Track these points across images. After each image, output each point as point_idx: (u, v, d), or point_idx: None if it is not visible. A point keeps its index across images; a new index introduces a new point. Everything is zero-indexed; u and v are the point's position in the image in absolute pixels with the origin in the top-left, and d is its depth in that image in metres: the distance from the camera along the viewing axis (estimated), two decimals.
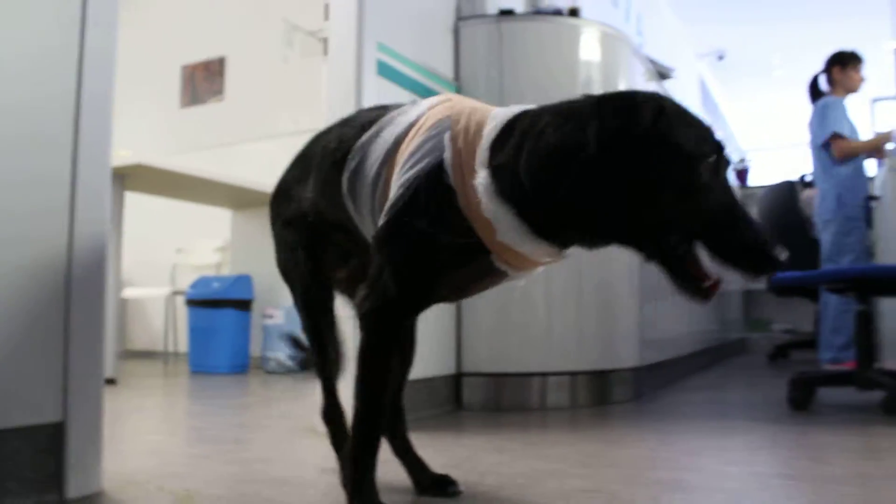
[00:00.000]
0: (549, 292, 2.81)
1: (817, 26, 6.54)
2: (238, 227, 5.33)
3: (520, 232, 1.15)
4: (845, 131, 4.07)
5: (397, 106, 1.42)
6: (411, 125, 1.29)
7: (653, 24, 5.73)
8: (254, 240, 5.22)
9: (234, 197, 4.89)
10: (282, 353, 4.58)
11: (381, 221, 1.23)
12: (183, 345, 5.15)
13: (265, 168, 5.14)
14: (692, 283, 1.09)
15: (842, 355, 3.94)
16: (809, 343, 4.94)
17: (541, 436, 2.26)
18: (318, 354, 1.56)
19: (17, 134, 1.45)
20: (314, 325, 1.56)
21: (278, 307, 4.61)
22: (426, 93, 2.71)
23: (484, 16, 2.95)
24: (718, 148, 1.08)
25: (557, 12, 2.94)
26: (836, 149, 4.06)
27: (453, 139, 1.21)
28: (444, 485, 1.49)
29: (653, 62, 3.57)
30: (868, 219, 4.10)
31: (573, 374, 2.85)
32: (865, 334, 2.72)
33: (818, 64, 4.33)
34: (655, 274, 1.15)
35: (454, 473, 1.53)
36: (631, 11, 5.14)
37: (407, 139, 1.27)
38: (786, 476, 1.70)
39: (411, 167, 1.22)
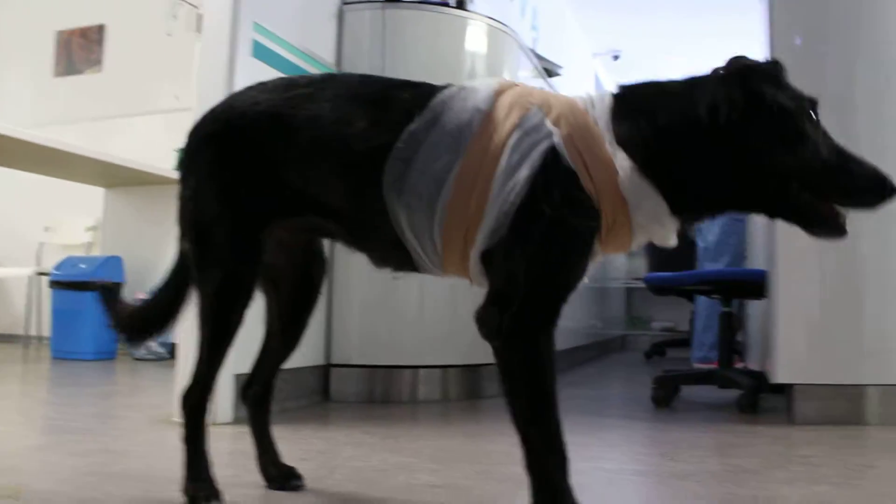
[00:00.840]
0: (423, 286, 2.84)
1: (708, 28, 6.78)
2: (110, 207, 5.14)
3: (660, 209, 1.15)
4: None
5: (426, 86, 1.29)
6: (482, 113, 1.21)
7: (550, 21, 5.84)
8: (127, 220, 5.05)
9: (106, 174, 4.70)
10: (153, 342, 4.44)
11: (494, 227, 1.15)
12: (46, 329, 4.92)
13: (143, 145, 5.02)
14: (828, 222, 1.14)
15: (711, 354, 4.14)
16: (685, 341, 5.17)
17: (404, 429, 2.28)
18: (216, 350, 1.36)
19: None
20: (226, 320, 1.34)
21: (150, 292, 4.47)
22: None
23: (369, 1, 2.94)
24: (813, 102, 1.15)
25: (444, 3, 2.96)
26: None
27: (556, 124, 1.17)
28: (288, 477, 1.48)
29: (540, 58, 3.65)
30: None
31: (445, 367, 2.89)
32: (727, 335, 2.88)
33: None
34: None
35: (305, 466, 1.53)
36: (527, 7, 5.22)
37: (487, 130, 1.19)
38: (633, 472, 1.78)
39: (519, 162, 1.15)
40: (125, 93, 5.38)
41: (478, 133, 1.19)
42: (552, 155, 1.14)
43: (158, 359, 4.43)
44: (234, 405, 2.31)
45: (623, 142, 1.14)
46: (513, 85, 1.26)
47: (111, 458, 1.75)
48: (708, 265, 4.08)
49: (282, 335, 1.53)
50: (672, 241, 1.20)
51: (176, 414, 2.27)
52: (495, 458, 1.87)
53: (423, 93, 1.27)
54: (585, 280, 1.23)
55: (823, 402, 2.39)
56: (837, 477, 1.70)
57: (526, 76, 3.39)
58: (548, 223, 1.13)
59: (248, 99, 1.36)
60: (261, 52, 2.45)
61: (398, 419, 2.46)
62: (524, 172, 1.14)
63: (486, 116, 1.20)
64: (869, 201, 1.12)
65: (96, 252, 5.20)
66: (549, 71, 3.76)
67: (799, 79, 1.21)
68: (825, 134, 1.14)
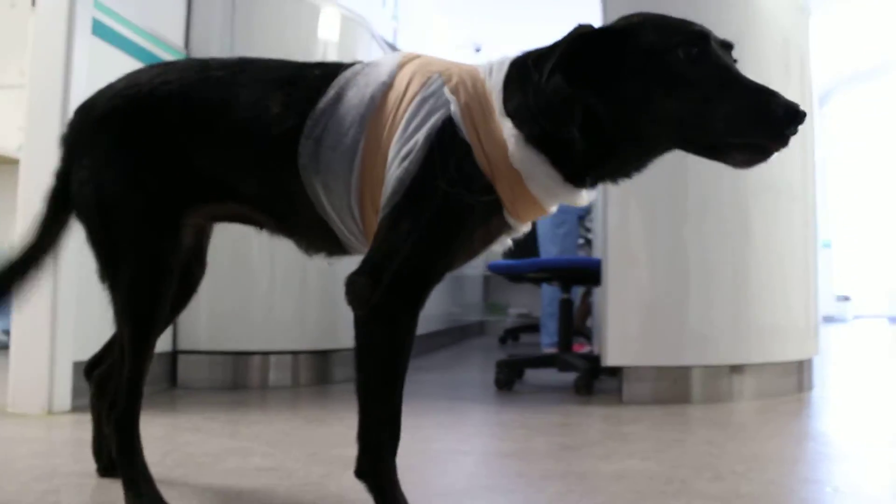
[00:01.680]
0: (272, 271, 2.85)
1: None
2: None
3: (553, 178, 1.13)
4: None
5: (333, 65, 1.28)
6: (385, 85, 1.19)
7: (412, 11, 5.90)
8: None
9: None
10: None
11: (390, 193, 1.12)
12: None
13: None
14: (747, 151, 1.04)
15: (558, 339, 4.35)
16: (536, 327, 5.38)
17: (245, 415, 2.30)
18: (136, 355, 1.26)
19: None
20: (149, 318, 1.26)
21: None
22: (150, 59, 2.63)
23: None
24: (692, 37, 1.06)
25: None
26: None
27: (455, 93, 1.14)
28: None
29: (394, 49, 3.70)
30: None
31: (295, 353, 2.92)
32: (566, 321, 3.04)
33: None
34: None
35: None
36: None
37: (389, 102, 1.18)
38: (460, 452, 1.87)
39: (416, 128, 1.13)
40: None
41: (380, 104, 1.18)
42: (449, 126, 1.12)
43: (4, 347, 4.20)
44: (73, 393, 2.27)
45: (510, 111, 1.13)
46: (416, 56, 1.26)
47: None
48: (544, 254, 4.27)
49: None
50: (582, 201, 1.18)
51: (10, 404, 2.22)
52: (330, 440, 1.92)
53: (333, 70, 1.26)
54: (482, 256, 1.25)
55: (652, 382, 2.58)
56: (648, 451, 1.86)
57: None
58: (441, 198, 1.11)
59: (155, 77, 1.29)
60: (102, 31, 2.39)
61: (244, 405, 2.47)
62: (420, 138, 1.12)
63: (389, 87, 1.19)
64: (766, 139, 1.01)
65: None
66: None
67: None
68: (711, 70, 1.05)
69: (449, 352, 4.85)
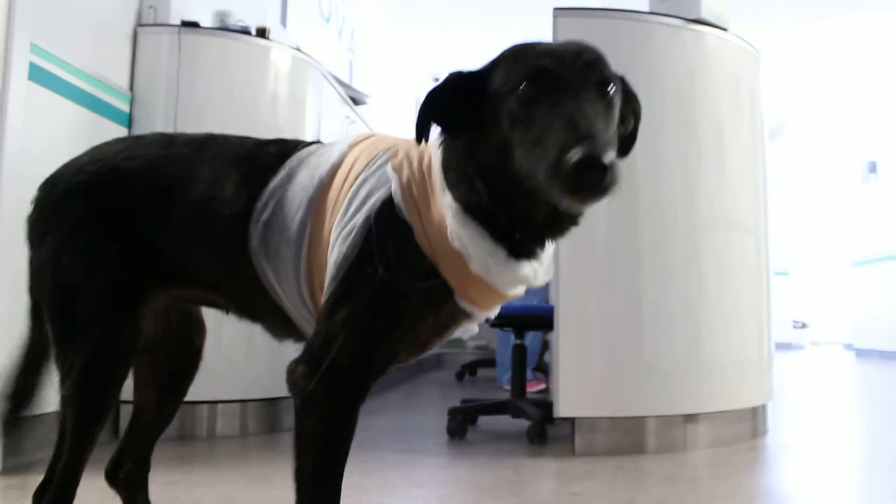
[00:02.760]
0: (218, 318, 2.78)
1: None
2: None
3: (493, 255, 1.04)
4: None
5: (292, 143, 1.25)
6: (334, 167, 1.15)
7: (369, 43, 5.89)
8: None
9: None
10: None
11: (330, 278, 1.07)
12: None
13: None
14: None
15: None
16: (493, 361, 5.34)
17: (188, 474, 2.21)
18: (80, 440, 1.22)
19: None
20: (94, 405, 1.21)
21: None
22: (94, 103, 2.57)
23: (166, 25, 2.85)
24: (530, 73, 0.97)
25: (245, 31, 2.92)
26: None
27: (397, 171, 1.09)
28: None
29: (346, 86, 3.68)
30: None
31: (243, 402, 2.85)
32: (518, 367, 3.02)
33: None
34: None
35: None
36: (344, 28, 5.24)
37: (335, 184, 1.13)
38: None
39: (357, 209, 1.08)
40: None
41: (326, 185, 1.14)
42: (388, 206, 1.07)
43: None
44: (3, 452, 2.18)
45: (449, 182, 1.06)
46: (370, 136, 1.22)
47: None
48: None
49: (158, 409, 1.41)
50: (538, 280, 1.10)
51: None
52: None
53: (289, 148, 1.22)
54: (433, 349, 1.18)
55: (605, 433, 2.56)
56: None
57: (331, 104, 3.41)
58: (378, 285, 1.05)
59: (120, 152, 1.25)
60: (40, 76, 2.32)
61: (188, 461, 2.39)
62: (359, 219, 1.07)
63: (337, 169, 1.15)
64: (559, 191, 0.91)
65: None
66: (356, 99, 3.80)
67: None
68: (542, 110, 0.95)
69: (403, 389, 4.79)
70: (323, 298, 1.10)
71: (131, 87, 2.81)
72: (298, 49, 3.14)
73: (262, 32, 2.97)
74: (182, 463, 2.34)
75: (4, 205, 2.20)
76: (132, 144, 1.27)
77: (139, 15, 2.86)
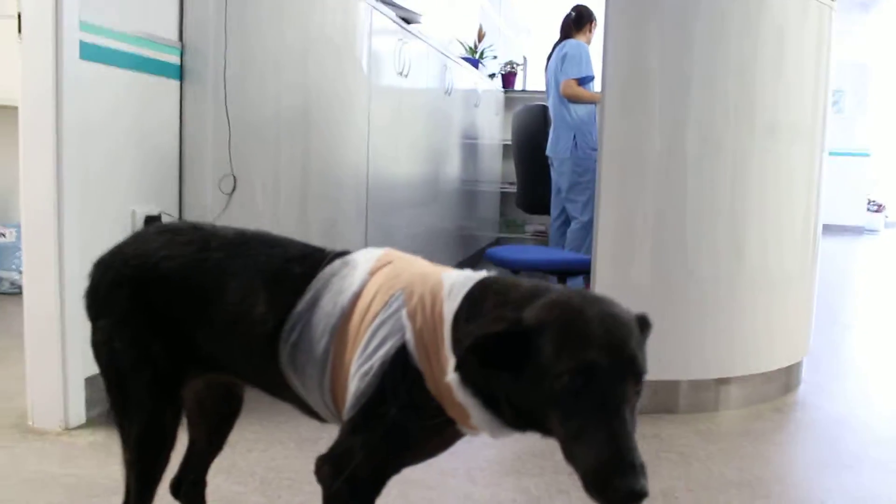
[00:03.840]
0: None
1: None
2: None
3: (491, 422, 1.16)
4: (591, 75, 4.43)
5: (317, 257, 1.34)
6: (355, 296, 1.27)
7: None
8: None
9: None
10: (16, 273, 4.43)
11: (350, 405, 1.22)
12: None
13: None
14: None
15: None
16: None
17: None
18: (143, 490, 1.42)
19: None
20: (150, 467, 1.41)
21: (9, 225, 4.41)
22: (144, 64, 2.65)
23: None
24: (580, 367, 1.02)
25: None
26: (566, 90, 4.40)
27: (412, 317, 1.20)
28: None
29: (396, 8, 3.62)
30: None
31: None
32: None
33: None
34: None
35: None
36: None
37: (356, 316, 1.25)
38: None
39: (374, 351, 1.21)
40: None
41: (348, 314, 1.25)
42: (402, 354, 1.18)
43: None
44: (87, 406, 2.45)
45: (455, 354, 1.14)
46: (388, 262, 1.31)
47: None
48: (569, 207, 4.33)
49: (209, 442, 1.62)
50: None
51: (31, 416, 2.40)
52: None
53: (313, 265, 1.31)
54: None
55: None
56: None
57: (383, 31, 3.39)
58: (391, 422, 1.20)
59: (159, 248, 1.37)
60: (90, 53, 2.40)
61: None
62: (376, 363, 1.19)
63: (358, 297, 1.26)
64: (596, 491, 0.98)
65: None
66: (408, 19, 3.74)
67: None
68: (592, 411, 1.01)
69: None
70: (345, 416, 1.24)
71: (181, 39, 2.85)
72: None
73: None
74: (239, 427, 2.58)
75: (67, 180, 2.36)
76: (170, 241, 1.38)
77: None
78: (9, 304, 4.01)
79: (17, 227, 4.34)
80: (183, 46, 2.86)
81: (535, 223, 6.76)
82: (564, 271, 3.01)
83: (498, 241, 6.83)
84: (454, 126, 4.97)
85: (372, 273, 1.29)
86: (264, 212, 3.01)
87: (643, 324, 1.16)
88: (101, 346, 1.39)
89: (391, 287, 1.25)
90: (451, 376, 1.13)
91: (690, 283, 2.73)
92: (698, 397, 2.77)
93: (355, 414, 1.21)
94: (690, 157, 2.72)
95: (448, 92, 4.59)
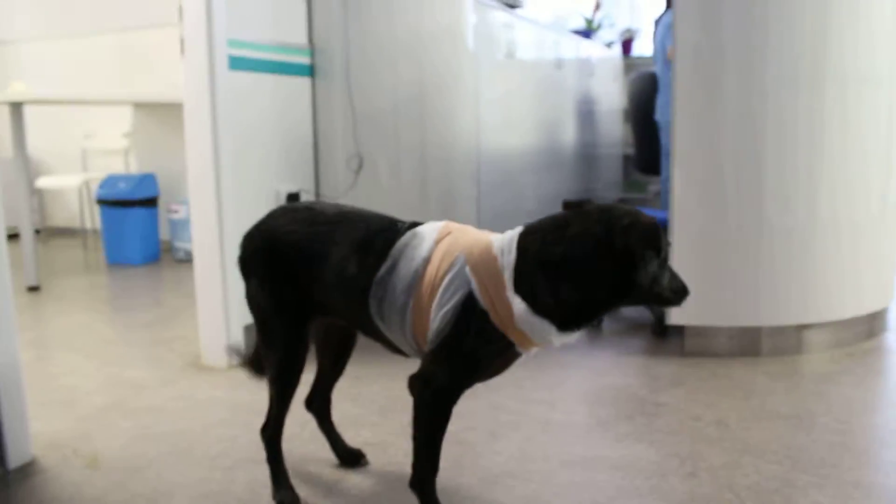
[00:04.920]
0: None
1: None
2: (140, 123, 5.72)
3: (549, 331, 1.58)
4: None
5: (395, 230, 1.75)
6: (425, 260, 1.67)
7: None
8: (156, 137, 5.64)
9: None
10: (189, 244, 5.17)
11: (434, 341, 1.63)
12: (97, 223, 5.68)
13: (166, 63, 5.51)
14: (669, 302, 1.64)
15: None
16: None
17: (363, 375, 2.95)
18: (280, 403, 1.90)
19: None
20: (286, 384, 1.89)
21: (182, 202, 5.13)
22: (281, 67, 3.18)
23: None
24: (661, 248, 1.55)
25: None
26: (672, 56, 4.58)
27: (474, 272, 1.60)
28: (358, 457, 2.14)
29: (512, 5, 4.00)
30: None
31: None
32: None
33: None
34: None
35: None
36: None
37: (428, 274, 1.66)
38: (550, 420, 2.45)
39: (448, 300, 1.61)
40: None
41: (422, 275, 1.68)
42: (470, 299, 1.60)
43: None
44: (245, 349, 3.03)
45: (521, 293, 1.57)
46: (448, 233, 1.73)
47: (154, 418, 2.49)
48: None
49: (332, 368, 2.11)
50: (566, 341, 1.63)
51: (203, 357, 3.03)
52: None
53: (388, 240, 1.74)
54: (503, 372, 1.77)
55: (707, 339, 3.00)
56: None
57: (489, 19, 3.78)
58: (465, 349, 1.62)
59: (284, 225, 1.83)
60: (237, 64, 2.95)
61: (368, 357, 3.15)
62: (450, 308, 1.60)
63: (427, 263, 1.69)
64: (680, 302, 1.64)
65: (132, 158, 5.85)
66: (511, 4, 4.10)
67: None
68: (657, 268, 1.58)
69: None
70: (429, 346, 1.68)
71: (310, 42, 3.37)
72: None
73: None
74: (364, 364, 3.10)
75: (223, 166, 2.93)
76: (291, 219, 1.85)
77: None
78: (184, 270, 4.75)
79: (188, 203, 5.08)
80: (312, 49, 3.38)
81: (657, 184, 6.93)
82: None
83: (621, 202, 7.07)
84: (568, 97, 5.28)
85: (437, 242, 1.71)
86: (387, 186, 3.49)
87: None
88: (251, 299, 1.90)
89: (453, 252, 1.68)
90: (519, 307, 1.57)
91: (769, 231, 2.94)
92: (780, 342, 3.01)
93: (437, 345, 1.65)
94: (769, 101, 2.88)
95: (558, 66, 4.91)
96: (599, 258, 1.54)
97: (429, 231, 1.75)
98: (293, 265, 1.81)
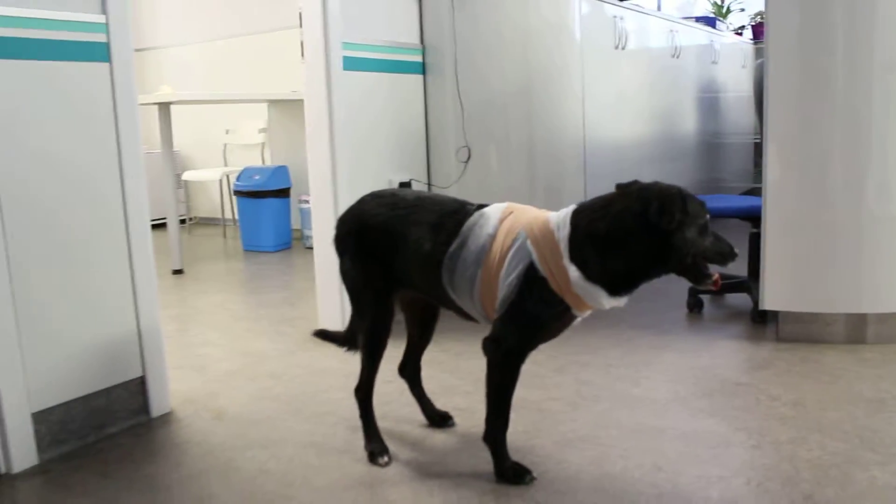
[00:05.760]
0: None
1: None
2: (273, 118, 6.26)
3: (601, 295, 1.83)
4: None
5: (465, 211, 2.02)
6: (490, 237, 1.93)
7: None
8: (289, 132, 6.15)
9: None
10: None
11: (501, 306, 1.90)
12: (236, 212, 6.28)
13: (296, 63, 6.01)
14: (705, 279, 1.86)
15: None
16: None
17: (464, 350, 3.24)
18: (370, 365, 2.21)
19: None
20: (375, 349, 2.19)
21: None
22: (393, 66, 3.52)
23: None
24: (704, 216, 1.82)
25: None
26: None
27: (535, 245, 1.86)
28: (445, 418, 2.45)
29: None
30: None
31: None
32: (754, 251, 3.53)
33: None
34: None
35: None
36: None
37: (494, 249, 1.92)
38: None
39: (513, 270, 1.87)
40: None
41: (489, 250, 1.95)
42: (531, 269, 1.86)
43: None
44: None
45: (576, 261, 1.82)
46: (510, 212, 1.96)
47: (273, 382, 2.88)
48: None
49: (420, 337, 2.42)
50: (616, 304, 1.88)
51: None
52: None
53: (459, 220, 2.03)
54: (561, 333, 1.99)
55: (803, 325, 3.08)
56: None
57: (597, 13, 3.97)
58: (528, 313, 1.88)
59: (371, 209, 2.12)
60: (351, 64, 3.31)
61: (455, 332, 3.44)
62: (514, 277, 1.86)
63: (493, 239, 1.96)
64: (726, 263, 1.87)
65: (268, 152, 6.41)
66: None
67: None
68: (708, 232, 1.85)
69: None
70: (497, 312, 1.95)
71: (421, 41, 3.70)
72: None
73: None
74: (462, 339, 3.38)
75: (339, 159, 3.29)
76: (377, 204, 2.15)
77: None
78: (313, 256, 5.19)
79: None
80: (424, 48, 3.70)
81: None
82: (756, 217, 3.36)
83: (751, 191, 7.03)
84: (688, 85, 5.38)
85: (501, 220, 1.98)
86: (496, 174, 3.78)
87: None
88: (345, 274, 2.22)
89: (515, 229, 1.94)
90: (574, 273, 1.82)
91: (870, 219, 2.98)
92: (884, 330, 3.05)
93: (505, 310, 1.92)
94: (875, 87, 2.92)
95: (675, 55, 5.02)
96: (637, 230, 1.79)
97: (494, 211, 2.01)
98: (379, 243, 2.11)
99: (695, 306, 3.59)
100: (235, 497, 2.02)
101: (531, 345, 1.96)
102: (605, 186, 2.02)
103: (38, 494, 2.09)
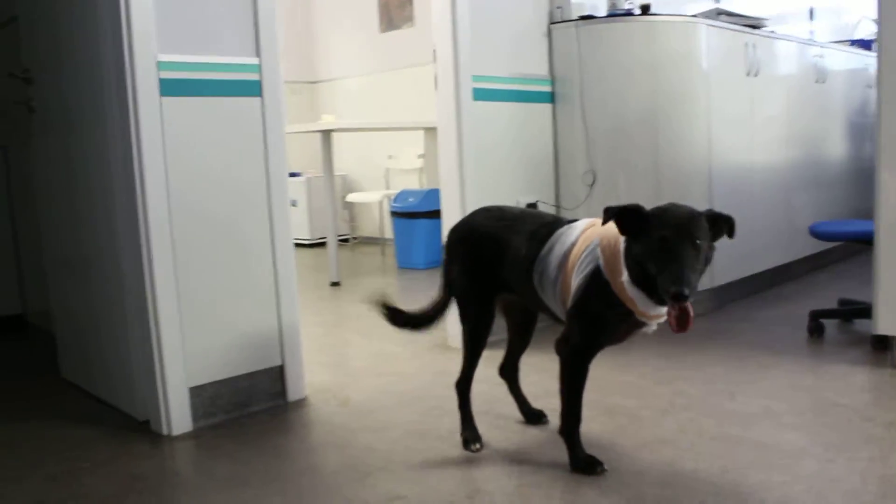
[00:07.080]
0: None
1: None
2: (429, 145, 6.69)
3: (648, 303, 1.98)
4: None
5: (556, 224, 2.25)
6: (573, 244, 2.14)
7: None
8: None
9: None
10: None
11: (570, 304, 2.09)
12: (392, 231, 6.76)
13: None
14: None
15: None
16: None
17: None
18: (470, 362, 2.44)
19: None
20: (475, 347, 2.41)
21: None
22: (521, 95, 3.81)
23: (570, 20, 3.89)
24: (665, 232, 1.87)
25: (629, 13, 3.79)
26: None
27: (603, 252, 2.03)
28: (539, 416, 2.70)
29: (739, 17, 4.25)
30: None
31: None
32: None
33: None
34: None
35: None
36: None
37: (573, 254, 2.12)
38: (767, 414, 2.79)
39: (582, 271, 2.06)
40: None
41: (569, 255, 2.18)
42: (597, 272, 2.04)
43: None
44: None
45: (628, 266, 1.97)
46: (591, 225, 2.16)
47: (397, 379, 3.22)
48: None
49: (519, 340, 2.67)
50: (660, 313, 2.01)
51: (448, 339, 3.72)
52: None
53: (551, 230, 2.27)
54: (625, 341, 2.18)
55: None
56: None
57: (726, 43, 4.08)
58: (593, 312, 2.06)
59: (480, 220, 2.37)
60: (480, 95, 3.62)
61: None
62: (582, 278, 2.06)
63: (574, 246, 2.19)
64: (667, 297, 1.85)
65: (425, 177, 6.85)
66: (754, 25, 4.33)
67: None
68: (666, 251, 1.87)
69: (820, 275, 5.28)
70: (567, 311, 2.17)
71: (550, 73, 3.95)
72: (678, 14, 3.89)
73: (645, 9, 3.80)
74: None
75: (468, 182, 3.60)
76: (486, 216, 2.42)
77: (550, 15, 3.95)
78: None
79: None
80: (553, 78, 3.95)
81: None
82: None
83: None
84: (835, 111, 5.29)
85: (583, 231, 2.20)
86: (621, 197, 3.95)
87: (716, 218, 1.98)
88: (454, 280, 2.48)
89: (591, 238, 2.16)
90: (625, 277, 2.01)
91: None
92: None
93: (571, 307, 2.14)
94: None
95: (820, 80, 4.98)
96: (647, 245, 1.92)
97: (580, 224, 2.25)
98: (484, 250, 2.37)
99: (815, 331, 3.60)
100: (342, 466, 2.36)
101: (596, 344, 2.14)
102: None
103: (191, 454, 2.54)
